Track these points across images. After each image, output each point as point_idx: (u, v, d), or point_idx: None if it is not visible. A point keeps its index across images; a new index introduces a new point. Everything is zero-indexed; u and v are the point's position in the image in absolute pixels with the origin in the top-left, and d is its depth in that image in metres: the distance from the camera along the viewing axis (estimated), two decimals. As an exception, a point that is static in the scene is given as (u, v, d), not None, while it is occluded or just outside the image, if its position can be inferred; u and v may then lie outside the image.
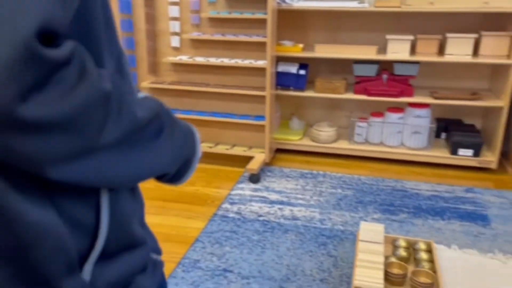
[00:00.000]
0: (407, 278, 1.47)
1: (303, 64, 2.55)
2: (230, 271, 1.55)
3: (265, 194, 2.15)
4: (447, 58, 2.31)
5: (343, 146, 2.59)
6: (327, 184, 2.26)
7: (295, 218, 1.92)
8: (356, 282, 1.34)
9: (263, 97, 2.33)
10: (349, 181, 2.30)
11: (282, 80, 2.52)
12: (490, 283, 1.48)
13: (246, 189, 2.20)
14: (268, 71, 2.26)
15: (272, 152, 2.53)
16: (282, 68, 2.53)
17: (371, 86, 2.44)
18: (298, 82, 2.53)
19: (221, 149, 2.49)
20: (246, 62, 2.33)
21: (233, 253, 1.66)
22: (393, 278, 1.44)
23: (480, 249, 1.68)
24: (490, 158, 2.37)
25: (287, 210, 1.99)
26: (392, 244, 1.67)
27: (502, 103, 2.28)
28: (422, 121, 2.44)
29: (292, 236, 1.77)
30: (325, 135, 2.60)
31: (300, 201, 2.07)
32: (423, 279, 1.45)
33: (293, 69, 2.52)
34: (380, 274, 1.39)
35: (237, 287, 1.47)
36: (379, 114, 2.55)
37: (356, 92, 2.49)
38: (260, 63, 2.30)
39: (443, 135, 2.64)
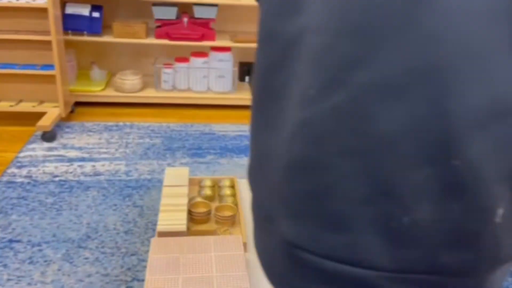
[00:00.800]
0: (211, 214, 1.50)
1: (96, 5, 2.30)
2: (18, 241, 1.35)
3: (62, 152, 1.92)
4: (245, 1, 2.36)
5: (150, 94, 2.48)
6: (134, 135, 2.15)
7: (97, 174, 1.77)
8: (159, 227, 1.31)
9: (49, 43, 2.03)
10: (158, 130, 2.22)
11: (73, 24, 2.23)
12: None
13: (39, 149, 1.93)
14: (50, 12, 1.96)
15: (70, 106, 2.27)
16: (72, 10, 2.23)
17: (172, 30, 2.36)
18: (92, 26, 2.27)
19: (3, 106, 2.12)
20: (22, 2, 1.97)
21: (21, 221, 1.44)
22: (197, 217, 1.45)
23: (277, 178, 1.82)
24: (287, 96, 2.58)
25: (88, 167, 1.82)
26: (198, 185, 1.68)
27: (293, 44, 2.47)
28: (225, 65, 2.49)
29: (94, 193, 1.63)
30: (130, 83, 2.44)
31: (104, 156, 1.92)
32: (226, 213, 1.49)
33: (84, 11, 2.25)
34: (184, 215, 1.38)
35: (26, 257, 1.28)
36: (184, 59, 2.50)
37: (158, 36, 2.37)
38: (39, 2, 1.97)
39: (247, 78, 2.76)
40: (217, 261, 1.17)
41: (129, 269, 1.26)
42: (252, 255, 1.36)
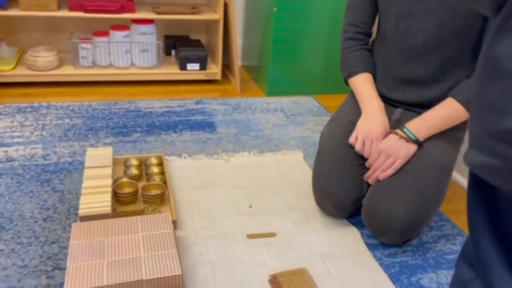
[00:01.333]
0: (138, 194, 1.45)
1: (-3, -26, 2.07)
2: None
3: (-32, 138, 1.74)
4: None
5: (67, 72, 2.31)
6: (52, 116, 2.00)
7: (10, 160, 1.63)
8: (80, 211, 1.23)
9: None
10: (78, 110, 2.09)
11: (-29, -5, 2.00)
12: (214, 179, 1.60)
13: None
14: None
15: (-25, 87, 2.06)
16: (-32, -21, 1.99)
17: (88, 2, 2.19)
18: (-6, -2, 2.05)
19: None
20: None
21: None
22: (124, 198, 1.39)
23: (207, 153, 1.79)
24: (215, 70, 2.53)
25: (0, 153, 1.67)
26: (124, 165, 1.61)
27: (218, 16, 2.41)
28: (148, 38, 2.37)
29: (6, 180, 1.50)
30: (43, 61, 2.25)
31: (17, 140, 1.77)
32: (154, 192, 1.45)
33: (-17, -20, 2.02)
34: (108, 197, 1.31)
35: None
36: (104, 33, 2.35)
37: (71, 8, 2.20)
38: None
39: (173, 52, 2.67)
40: (145, 241, 1.13)
41: (49, 258, 1.18)
42: (183, 232, 1.33)
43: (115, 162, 1.62)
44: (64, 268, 1.15)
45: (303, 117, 2.23)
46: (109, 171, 1.44)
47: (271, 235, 1.33)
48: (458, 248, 1.34)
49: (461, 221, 1.50)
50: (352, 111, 1.49)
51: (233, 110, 2.23)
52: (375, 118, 1.37)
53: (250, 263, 1.21)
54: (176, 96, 2.36)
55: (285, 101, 2.41)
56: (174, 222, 1.31)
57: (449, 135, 1.36)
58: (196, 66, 2.47)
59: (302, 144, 1.93)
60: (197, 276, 1.16)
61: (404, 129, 1.33)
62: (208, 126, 2.03)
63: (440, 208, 1.55)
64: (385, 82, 1.45)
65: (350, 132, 1.42)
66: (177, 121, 2.06)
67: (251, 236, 1.32)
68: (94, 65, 2.37)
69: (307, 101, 2.44)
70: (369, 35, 1.52)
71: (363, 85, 1.45)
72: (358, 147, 1.37)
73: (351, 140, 1.39)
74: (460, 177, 1.76)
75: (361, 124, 1.39)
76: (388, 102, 1.45)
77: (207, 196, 1.50)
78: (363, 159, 1.39)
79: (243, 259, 1.22)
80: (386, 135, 1.36)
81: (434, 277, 1.22)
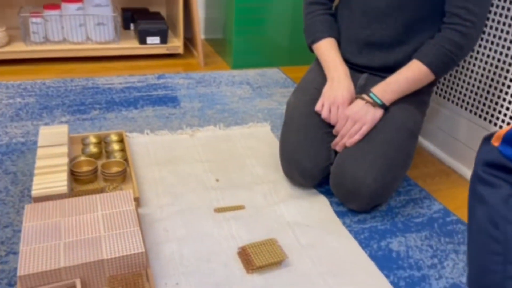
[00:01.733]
0: (98, 172, 1.37)
1: None
2: None
3: None
4: None
5: (18, 49, 2.17)
6: (2, 95, 1.87)
7: (-44, 142, 1.51)
8: (34, 192, 1.15)
9: None
10: (31, 88, 1.96)
11: None
12: (179, 155, 1.54)
13: None
14: None
15: None
16: None
17: (35, -29, 2.04)
18: None
19: None
20: None
21: None
22: (82, 177, 1.32)
23: (171, 128, 1.72)
24: (176, 43, 2.43)
25: None
26: (82, 143, 1.53)
27: (177, -15, 2.30)
28: (103, 10, 2.25)
29: (-47, 164, 1.39)
30: (-10, 37, 2.10)
31: (-36, 121, 1.65)
32: (114, 169, 1.38)
33: None
34: (64, 176, 1.24)
35: None
36: (55, 6, 2.20)
37: (17, -21, 2.04)
38: None
39: (132, 26, 2.54)
40: (105, 220, 1.07)
41: (2, 242, 1.10)
42: (147, 210, 1.28)
43: (72, 141, 1.53)
44: (19, 252, 1.08)
45: (270, 89, 2.18)
46: (64, 149, 1.36)
47: (239, 208, 1.30)
48: (425, 211, 1.35)
49: (428, 185, 1.50)
50: (317, 78, 1.45)
51: (197, 84, 2.16)
52: (340, 84, 1.34)
53: (217, 237, 1.17)
54: (137, 71, 2.26)
55: (250, 73, 2.35)
56: (137, 200, 1.25)
57: (415, 99, 1.35)
58: (156, 39, 2.37)
59: (269, 116, 1.89)
60: (163, 253, 1.11)
61: (370, 94, 1.31)
62: (171, 101, 1.96)
63: (407, 173, 1.55)
64: (350, 46, 1.41)
65: (316, 99, 1.39)
66: (138, 96, 1.98)
67: (218, 210, 1.28)
68: (46, 40, 2.23)
69: (273, 73, 2.38)
70: None
71: (327, 50, 1.41)
72: (324, 114, 1.34)
73: (317, 107, 1.36)
74: (426, 142, 1.76)
75: (326, 91, 1.35)
76: (353, 67, 1.42)
77: (171, 172, 1.45)
78: (330, 126, 1.36)
79: (210, 234, 1.18)
80: (352, 101, 1.33)
81: (403, 240, 1.22)
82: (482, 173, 0.70)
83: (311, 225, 1.24)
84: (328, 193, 1.38)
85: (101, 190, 1.28)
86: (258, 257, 1.07)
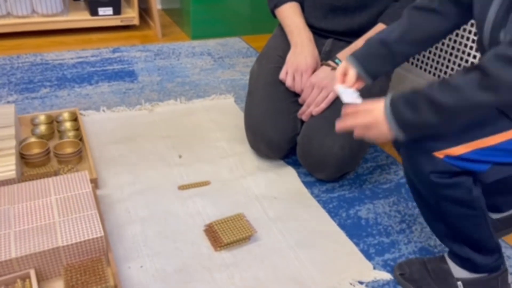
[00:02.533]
0: (50, 154, 1.28)
1: None
2: None
3: None
4: None
5: (-46, 24, 1.99)
6: None
7: None
8: (-22, 179, 1.06)
9: None
10: (-28, 66, 1.81)
11: None
12: (138, 131, 1.46)
13: None
14: None
15: None
16: None
17: None
18: None
19: None
20: None
21: None
22: (33, 160, 1.22)
23: (129, 104, 1.63)
24: (131, 14, 2.30)
25: None
26: (32, 123, 1.42)
27: (128, -49, 2.15)
28: (48, -21, 2.08)
29: None
30: None
31: None
32: (68, 150, 1.29)
33: None
34: (11, 160, 1.14)
35: None
36: (-7, -24, 2.02)
37: None
38: None
39: (82, -3, 2.38)
40: (59, 205, 0.99)
41: None
42: (106, 191, 1.20)
43: (20, 122, 1.42)
44: (-35, 245, 1.00)
45: (232, 59, 2.10)
46: (11, 131, 1.25)
47: (204, 184, 1.25)
48: (392, 177, 1.34)
49: (395, 151, 1.50)
50: (281, 45, 1.39)
51: (155, 56, 2.05)
52: (304, 49, 1.29)
53: (183, 215, 1.12)
54: (89, 45, 2.12)
55: (211, 43, 2.26)
56: (95, 181, 1.18)
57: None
58: (109, 10, 2.23)
59: (232, 88, 1.82)
60: (125, 235, 1.05)
61: (336, 60, 1.26)
62: (128, 75, 1.85)
63: (374, 140, 1.54)
64: (314, 11, 1.35)
65: (280, 67, 1.33)
66: (92, 72, 1.86)
67: (183, 187, 1.22)
68: (-14, 14, 2.05)
69: (235, 42, 2.30)
70: None
71: (290, 15, 1.35)
72: (288, 82, 1.29)
73: (281, 75, 1.31)
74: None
75: (290, 58, 1.30)
76: (318, 32, 1.37)
77: (131, 149, 1.37)
78: (296, 95, 1.32)
79: (175, 212, 1.13)
80: (316, 67, 1.29)
81: (371, 207, 1.21)
82: (437, 179, 0.76)
83: (279, 197, 1.21)
84: (295, 164, 1.35)
85: (55, 173, 1.20)
86: (225, 234, 1.03)
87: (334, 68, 1.26)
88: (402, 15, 0.92)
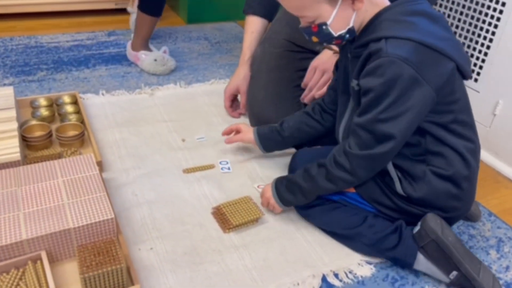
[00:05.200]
0: (53, 137, 1.27)
1: None
2: None
3: None
4: None
5: None
6: None
7: None
8: (-18, 161, 1.04)
9: None
10: (-35, 48, 1.76)
11: None
12: (140, 115, 1.45)
13: None
14: None
15: None
16: None
17: None
18: None
19: None
20: None
21: None
22: (35, 142, 1.21)
23: (128, 87, 1.62)
24: (126, -3, 2.26)
25: None
26: (31, 106, 1.40)
27: None
28: (41, -40, 2.03)
29: None
30: None
31: None
32: (71, 133, 1.27)
33: None
34: (15, 142, 1.13)
35: None
36: (-16, -45, 1.96)
37: None
38: None
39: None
40: (67, 187, 0.99)
41: (-49, 218, 1.00)
42: (111, 174, 1.20)
43: (19, 104, 1.40)
44: (-29, 228, 0.98)
45: (229, 44, 2.09)
46: (12, 113, 1.23)
47: (209, 167, 1.25)
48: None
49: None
50: (284, 29, 1.39)
51: (151, 40, 2.02)
52: (239, 71, 1.45)
53: (189, 198, 1.13)
54: (84, 28, 2.09)
55: (208, 28, 2.24)
56: (100, 164, 1.17)
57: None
58: (103, -7, 2.18)
59: (231, 73, 1.81)
60: (133, 218, 1.05)
61: (339, 45, 1.27)
62: (125, 59, 1.83)
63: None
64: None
65: (284, 51, 1.33)
66: (88, 55, 1.83)
67: (188, 171, 1.22)
68: (-23, -6, 2.00)
69: (231, 27, 2.29)
70: None
71: (248, 30, 1.46)
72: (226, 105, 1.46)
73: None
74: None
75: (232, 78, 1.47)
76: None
77: (133, 133, 1.36)
78: (299, 79, 1.32)
79: (181, 195, 1.13)
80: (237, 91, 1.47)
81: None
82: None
83: (285, 181, 1.22)
84: (298, 148, 1.35)
85: (58, 156, 1.19)
86: (234, 216, 1.04)
87: (336, 52, 1.26)
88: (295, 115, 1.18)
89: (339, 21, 0.85)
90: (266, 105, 1.30)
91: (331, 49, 1.27)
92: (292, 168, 1.13)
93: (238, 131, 1.25)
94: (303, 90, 1.31)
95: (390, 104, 0.82)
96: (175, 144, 1.33)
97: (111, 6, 2.24)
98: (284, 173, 1.25)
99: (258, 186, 1.19)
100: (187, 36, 2.12)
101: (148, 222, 1.04)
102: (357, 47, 0.89)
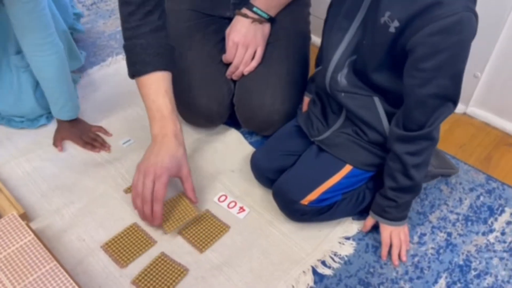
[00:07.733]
0: None
1: None
2: None
3: None
4: None
5: None
6: None
7: None
8: None
9: None
10: None
11: None
12: (43, 131, 1.22)
13: None
14: None
15: None
16: None
17: None
18: None
19: None
20: None
21: None
22: None
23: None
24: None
25: None
26: None
27: None
28: None
29: None
30: None
31: None
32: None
33: None
34: None
35: None
36: None
37: None
38: None
39: None
40: (2, 271, 0.81)
41: None
42: (41, 221, 1.01)
43: None
44: None
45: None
46: None
47: (150, 176, 1.12)
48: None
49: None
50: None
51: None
52: (161, 148, 0.96)
53: (143, 223, 1.01)
54: None
55: None
56: (24, 216, 0.98)
57: (297, 2, 1.23)
58: None
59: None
60: (93, 270, 0.91)
61: (254, 9, 1.14)
62: None
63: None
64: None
65: (194, 24, 1.17)
66: None
67: (130, 189, 1.07)
68: None
69: None
70: None
71: (153, 92, 0.98)
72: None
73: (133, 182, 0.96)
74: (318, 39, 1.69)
75: (144, 155, 0.97)
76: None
77: (45, 157, 1.14)
78: (219, 54, 1.19)
79: (135, 222, 1.01)
80: (178, 166, 0.96)
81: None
82: (310, 216, 1.00)
83: (236, 170, 1.15)
84: (237, 124, 1.26)
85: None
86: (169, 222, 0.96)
87: (254, 20, 1.14)
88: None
89: None
90: (195, 92, 1.15)
91: (246, 16, 1.14)
92: (257, 167, 1.08)
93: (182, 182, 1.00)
94: (227, 65, 1.19)
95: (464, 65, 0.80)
96: (101, 158, 1.16)
97: None
98: (234, 160, 1.16)
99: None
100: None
101: (112, 269, 0.93)
102: None
